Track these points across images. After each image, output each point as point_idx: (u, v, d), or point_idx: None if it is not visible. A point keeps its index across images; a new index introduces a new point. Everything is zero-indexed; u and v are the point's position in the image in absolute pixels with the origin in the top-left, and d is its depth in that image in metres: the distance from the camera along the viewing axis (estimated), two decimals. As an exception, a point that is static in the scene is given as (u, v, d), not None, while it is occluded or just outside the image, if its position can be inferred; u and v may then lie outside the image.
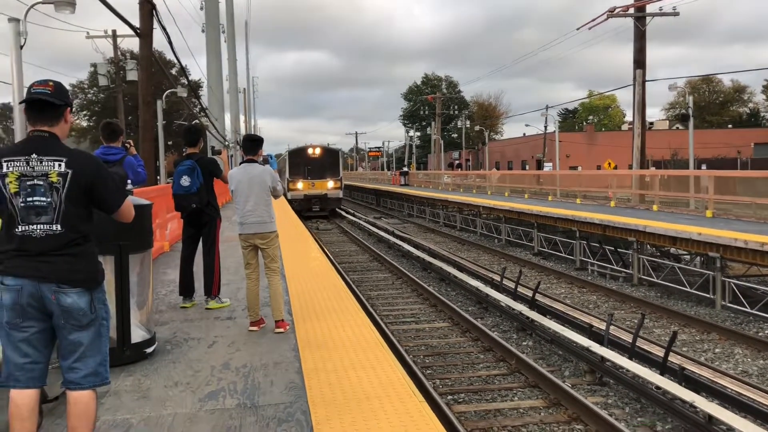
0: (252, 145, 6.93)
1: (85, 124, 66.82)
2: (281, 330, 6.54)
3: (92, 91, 64.18)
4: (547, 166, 55.26)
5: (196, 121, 39.77)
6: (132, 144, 7.24)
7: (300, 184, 38.11)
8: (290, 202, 34.98)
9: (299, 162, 38.81)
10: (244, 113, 64.14)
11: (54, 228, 3.41)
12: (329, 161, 39.48)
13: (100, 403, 4.65)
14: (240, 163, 6.95)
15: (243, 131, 57.01)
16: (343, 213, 40.50)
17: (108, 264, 5.52)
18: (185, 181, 7.31)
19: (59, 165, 3.41)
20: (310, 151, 39.51)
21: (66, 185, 3.41)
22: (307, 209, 37.27)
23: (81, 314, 3.43)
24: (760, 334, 11.94)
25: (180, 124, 45.92)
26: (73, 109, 3.77)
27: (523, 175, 40.41)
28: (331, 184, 38.53)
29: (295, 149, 40.77)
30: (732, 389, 8.30)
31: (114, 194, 3.64)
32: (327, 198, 38.44)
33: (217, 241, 7.82)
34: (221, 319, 7.25)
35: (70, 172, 3.42)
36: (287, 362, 5.61)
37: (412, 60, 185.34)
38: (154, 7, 15.39)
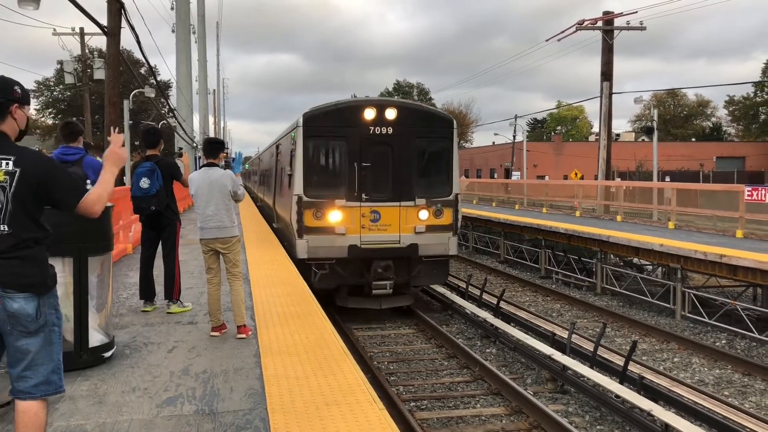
0: (212, 148, 6.85)
1: (50, 122, 65.61)
2: (243, 335, 6.49)
3: (58, 89, 63.05)
4: (515, 175, 55.82)
5: (164, 121, 39.30)
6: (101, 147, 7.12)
7: (335, 216, 13.03)
8: (301, 264, 12.40)
9: (333, 147, 13.59)
10: (213, 114, 63.69)
11: (1, 228, 3.28)
12: (427, 147, 13.79)
13: (54, 409, 4.57)
14: (200, 167, 6.87)
15: (212, 133, 56.57)
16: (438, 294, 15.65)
17: (67, 266, 5.44)
18: (144, 183, 7.20)
19: (6, 163, 3.29)
20: (368, 113, 13.21)
21: (13, 184, 3.28)
22: (355, 284, 13.34)
23: (28, 320, 3.30)
24: (716, 344, 12.21)
25: (147, 124, 45.38)
26: (28, 104, 3.56)
27: (491, 183, 40.61)
28: (424, 214, 13.38)
29: (324, 110, 13.65)
30: (688, 398, 8.46)
31: (69, 192, 3.47)
32: (416, 258, 13.40)
33: (177, 244, 7.73)
34: (182, 323, 7.16)
35: (17, 170, 3.29)
36: (248, 368, 5.56)
37: (384, 65, 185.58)
38: (122, 5, 15.18)
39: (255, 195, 34.07)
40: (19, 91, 3.47)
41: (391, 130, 13.05)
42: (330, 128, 13.09)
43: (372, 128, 12.95)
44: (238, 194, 6.69)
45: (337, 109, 13.37)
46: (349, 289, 13.26)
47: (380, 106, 13.15)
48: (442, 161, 13.64)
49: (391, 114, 13.10)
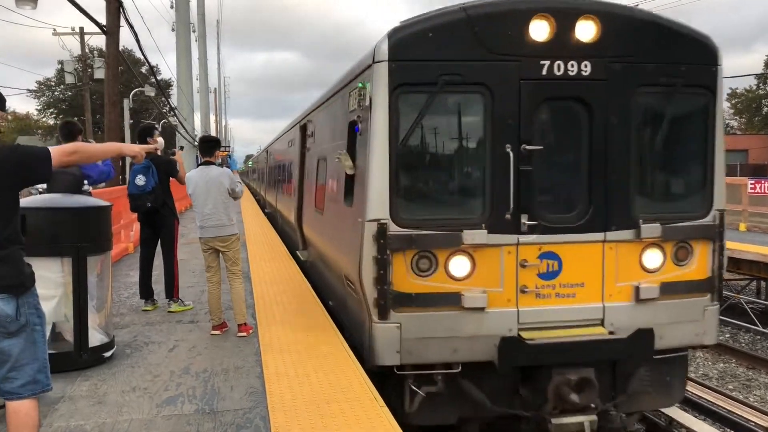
0: (208, 146, 6.80)
1: (51, 122, 65.66)
2: (244, 334, 6.47)
3: (59, 89, 63.08)
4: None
5: (165, 120, 39.32)
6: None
7: (461, 267, 5.75)
8: (384, 374, 5.79)
9: (458, 109, 6.03)
10: (214, 113, 63.75)
11: None
12: (662, 108, 6.00)
13: (54, 409, 4.56)
14: (197, 165, 6.82)
15: (213, 131, 56.63)
16: None
17: (66, 266, 5.44)
18: (140, 180, 7.18)
19: None
20: (536, 30, 5.67)
21: None
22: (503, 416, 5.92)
23: (8, 321, 3.26)
24: (720, 338, 12.15)
25: (145, 123, 45.39)
26: (2, 109, 3.48)
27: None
28: (655, 258, 6.05)
29: (437, 24, 5.69)
30: (692, 392, 8.41)
31: (38, 155, 3.36)
32: (640, 356, 5.93)
33: (176, 242, 7.70)
34: (183, 322, 7.14)
35: None
36: (248, 367, 5.54)
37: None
38: (121, 4, 15.16)
39: (262, 199, 27.81)
40: None
41: (589, 69, 5.87)
42: (451, 65, 5.74)
43: (546, 64, 5.82)
44: (236, 191, 6.66)
45: (468, 21, 5.78)
46: (484, 425, 6.31)
47: (562, 14, 5.80)
48: (692, 139, 6.37)
49: (587, 31, 5.82)
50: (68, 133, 6.49)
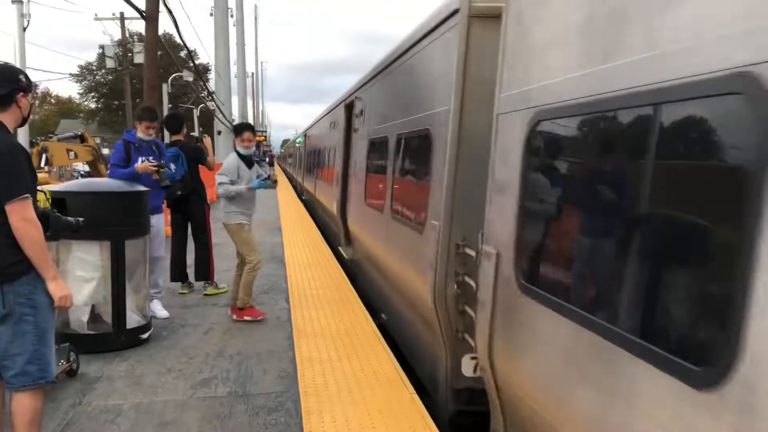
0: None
1: (93, 106, 66.94)
2: (233, 316, 6.57)
3: (100, 73, 64.20)
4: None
5: (203, 105, 39.75)
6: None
7: None
8: None
9: None
10: (251, 97, 64.19)
11: None
12: None
13: (93, 388, 4.68)
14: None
15: (250, 116, 57.01)
16: None
17: (105, 249, 5.55)
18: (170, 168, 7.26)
19: None
20: None
21: None
22: None
23: None
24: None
25: (187, 108, 45.81)
26: (31, 91, 3.49)
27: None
28: None
29: None
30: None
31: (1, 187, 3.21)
32: None
33: (209, 227, 7.78)
34: (219, 305, 7.25)
35: None
36: (281, 351, 5.61)
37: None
38: (160, -10, 15.29)
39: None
40: (23, 79, 3.41)
41: None
42: None
43: None
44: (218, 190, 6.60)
45: None
46: None
47: None
48: None
49: None
50: (151, 118, 6.58)
